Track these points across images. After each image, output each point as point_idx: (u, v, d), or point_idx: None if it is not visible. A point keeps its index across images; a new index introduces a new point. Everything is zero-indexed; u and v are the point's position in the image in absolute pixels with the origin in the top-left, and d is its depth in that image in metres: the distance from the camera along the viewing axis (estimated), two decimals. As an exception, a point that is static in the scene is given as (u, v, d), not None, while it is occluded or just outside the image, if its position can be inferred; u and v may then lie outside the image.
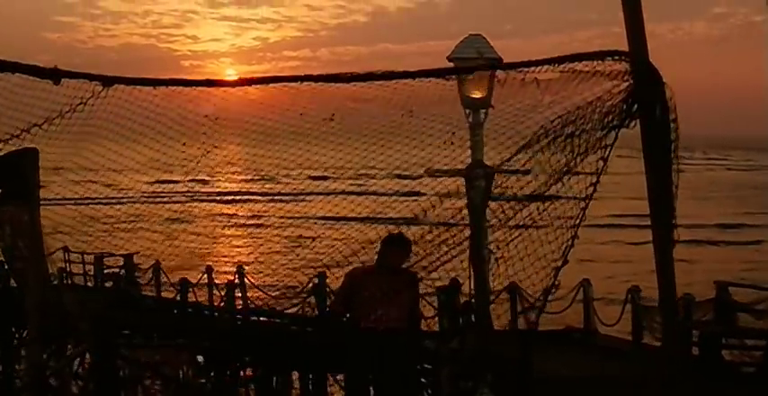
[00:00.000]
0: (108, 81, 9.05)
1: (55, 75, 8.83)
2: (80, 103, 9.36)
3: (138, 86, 9.10)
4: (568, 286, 18.66)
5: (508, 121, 9.15)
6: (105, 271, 25.02)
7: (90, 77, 9.06)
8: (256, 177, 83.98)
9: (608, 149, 8.98)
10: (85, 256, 25.93)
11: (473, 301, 9.87)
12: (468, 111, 9.54)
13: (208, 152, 10.71)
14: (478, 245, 9.50)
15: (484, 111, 9.54)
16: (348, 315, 10.18)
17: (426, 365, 12.53)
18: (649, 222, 9.00)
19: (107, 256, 25.31)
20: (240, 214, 65.94)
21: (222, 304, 20.59)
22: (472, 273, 9.62)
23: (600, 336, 18.16)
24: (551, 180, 8.96)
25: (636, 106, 8.62)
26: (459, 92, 9.48)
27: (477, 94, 9.39)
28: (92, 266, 25.58)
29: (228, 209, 70.06)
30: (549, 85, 9.07)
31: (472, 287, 9.70)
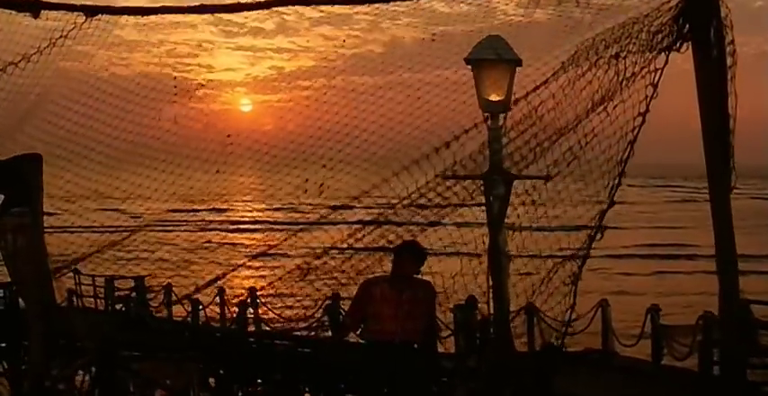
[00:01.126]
0: (91, 11, 8.65)
1: (34, 6, 8.46)
2: (61, 37, 9.02)
3: (124, 16, 8.61)
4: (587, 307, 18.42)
5: (544, 44, 8.80)
6: (116, 293, 24.74)
7: (71, 8, 8.67)
8: (276, 206, 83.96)
9: (658, 74, 8.40)
10: (96, 278, 25.71)
11: (491, 312, 9.44)
12: (486, 114, 9.23)
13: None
14: (497, 252, 9.20)
15: (503, 115, 9.23)
16: (361, 327, 9.84)
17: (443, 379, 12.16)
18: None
19: (118, 279, 25.10)
20: (255, 243, 65.19)
21: (233, 325, 20.23)
22: (491, 282, 9.28)
23: (619, 357, 17.83)
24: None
25: (687, 26, 7.98)
26: (477, 93, 9.20)
27: (495, 97, 9.09)
28: (102, 289, 25.31)
29: (246, 239, 69.27)
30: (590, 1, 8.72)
31: (490, 297, 9.33)
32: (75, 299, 24.02)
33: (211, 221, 75.16)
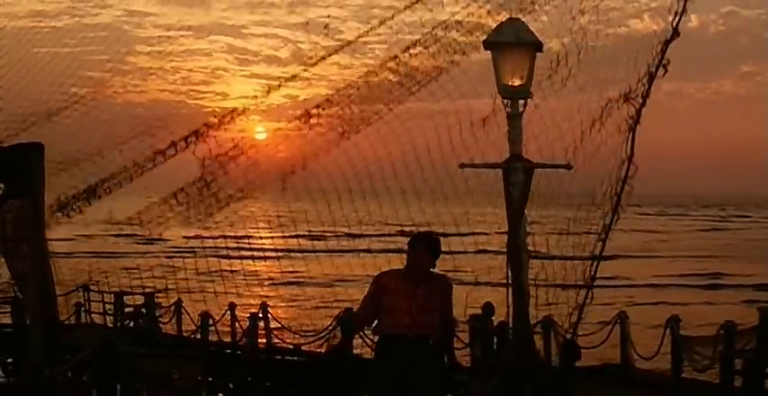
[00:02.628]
0: None
1: None
2: None
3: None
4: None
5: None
6: (126, 309, 24.51)
7: None
8: (302, 233, 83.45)
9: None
10: (105, 294, 25.60)
11: (510, 307, 9.05)
12: (506, 101, 8.92)
13: None
14: (516, 246, 8.86)
15: (522, 102, 8.92)
16: (376, 322, 9.46)
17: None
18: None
19: (127, 295, 24.90)
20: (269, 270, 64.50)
21: (244, 338, 19.92)
22: (510, 275, 8.93)
23: (637, 371, 17.44)
24: None
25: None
26: (496, 79, 8.90)
27: (515, 82, 8.79)
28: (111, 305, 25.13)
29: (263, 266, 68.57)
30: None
31: (509, 293, 8.97)
32: (83, 314, 23.77)
33: (227, 248, 75.01)
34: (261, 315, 20.33)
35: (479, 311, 15.36)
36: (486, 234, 11.50)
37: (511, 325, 9.06)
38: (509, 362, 8.93)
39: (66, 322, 19.72)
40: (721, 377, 14.99)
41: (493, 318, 14.52)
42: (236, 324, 21.31)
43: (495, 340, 14.40)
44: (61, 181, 10.81)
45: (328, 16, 10.19)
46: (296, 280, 55.12)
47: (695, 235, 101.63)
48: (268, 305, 21.23)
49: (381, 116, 9.95)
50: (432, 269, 9.32)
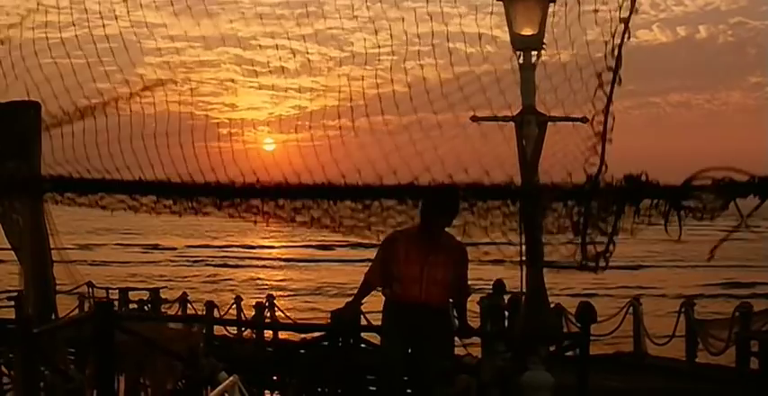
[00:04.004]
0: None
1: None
2: None
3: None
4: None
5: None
6: (130, 305, 24.29)
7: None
8: (313, 244, 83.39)
9: None
10: (110, 291, 25.40)
11: (524, 268, 8.71)
12: (518, 52, 8.66)
13: None
14: (529, 200, 8.57)
15: (535, 53, 8.66)
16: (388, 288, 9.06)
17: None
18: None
19: (132, 291, 24.72)
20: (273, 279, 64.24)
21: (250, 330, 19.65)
22: (523, 237, 8.62)
23: (651, 357, 17.15)
24: None
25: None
26: (509, 29, 8.64)
27: (527, 32, 8.53)
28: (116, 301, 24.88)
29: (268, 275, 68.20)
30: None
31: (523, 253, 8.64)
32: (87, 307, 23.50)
33: (232, 257, 74.95)
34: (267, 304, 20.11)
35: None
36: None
37: (524, 286, 8.73)
38: (521, 325, 8.61)
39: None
40: (737, 359, 14.73)
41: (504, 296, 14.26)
42: (242, 315, 21.11)
43: (506, 316, 14.13)
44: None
45: None
46: (306, 289, 55.18)
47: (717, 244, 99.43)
48: (274, 296, 21.02)
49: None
50: (446, 229, 8.76)
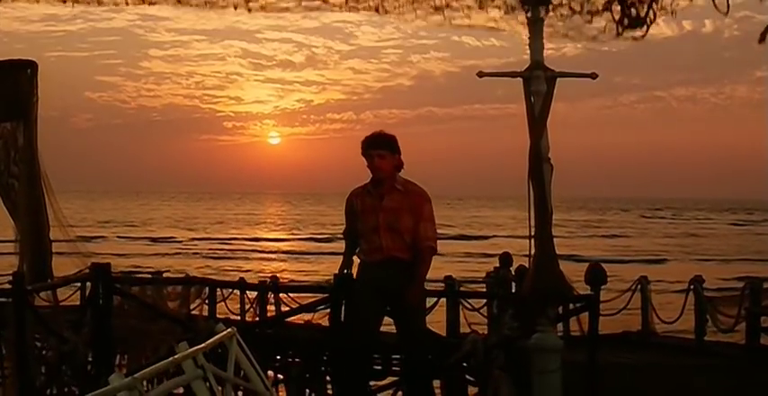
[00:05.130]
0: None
1: None
2: None
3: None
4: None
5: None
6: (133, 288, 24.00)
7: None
8: (317, 236, 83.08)
9: None
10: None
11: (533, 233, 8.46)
12: (526, 7, 8.45)
13: None
14: (538, 158, 8.34)
15: (543, 7, 8.44)
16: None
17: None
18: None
19: (135, 273, 24.45)
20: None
21: (254, 306, 19.39)
22: (532, 194, 8.39)
23: (659, 336, 16.89)
24: None
25: None
26: (517, -17, 8.43)
27: (536, -15, 8.32)
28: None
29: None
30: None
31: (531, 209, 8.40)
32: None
33: (237, 250, 74.64)
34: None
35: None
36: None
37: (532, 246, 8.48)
38: (529, 284, 8.35)
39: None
40: (747, 335, 14.52)
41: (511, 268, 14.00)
42: (245, 298, 20.82)
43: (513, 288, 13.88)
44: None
45: None
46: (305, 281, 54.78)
47: (735, 237, 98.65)
48: (278, 277, 20.76)
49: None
50: (399, 172, 8.60)
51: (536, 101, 8.36)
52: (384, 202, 8.45)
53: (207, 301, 20.80)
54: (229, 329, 6.09)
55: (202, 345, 5.46)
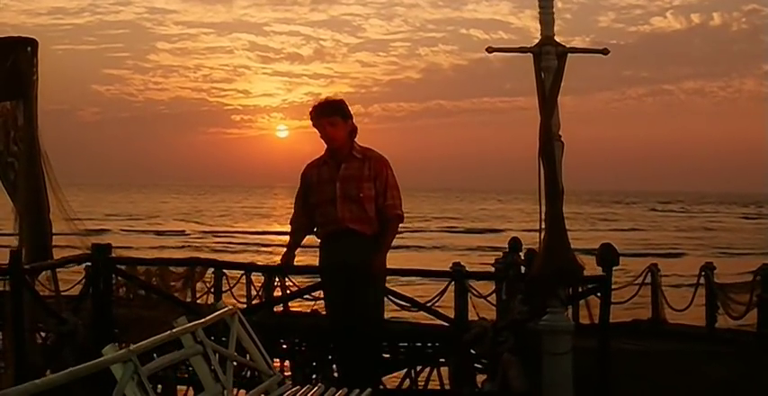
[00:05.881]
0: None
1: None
2: None
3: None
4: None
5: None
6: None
7: None
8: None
9: None
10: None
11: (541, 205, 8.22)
12: (537, -19, 8.24)
13: None
14: (549, 134, 8.14)
15: (554, -20, 8.23)
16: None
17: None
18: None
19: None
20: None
21: (261, 291, 19.23)
22: (542, 171, 8.18)
23: (669, 324, 16.70)
24: None
25: None
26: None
27: (547, -42, 8.10)
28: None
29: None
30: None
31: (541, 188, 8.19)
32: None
33: (244, 243, 74.46)
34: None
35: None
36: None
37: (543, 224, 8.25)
38: (539, 265, 8.14)
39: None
40: (759, 322, 14.32)
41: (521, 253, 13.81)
42: (252, 287, 20.67)
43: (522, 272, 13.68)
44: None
45: None
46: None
47: (750, 231, 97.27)
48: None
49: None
50: (354, 138, 8.10)
51: (546, 77, 8.15)
52: (341, 171, 7.94)
53: (213, 291, 20.70)
54: (231, 307, 5.91)
55: (202, 320, 5.28)
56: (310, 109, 8.08)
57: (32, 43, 8.89)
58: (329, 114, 8.02)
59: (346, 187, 7.90)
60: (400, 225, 8.08)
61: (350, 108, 8.21)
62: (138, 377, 4.10)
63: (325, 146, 8.14)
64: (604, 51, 8.35)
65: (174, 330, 4.83)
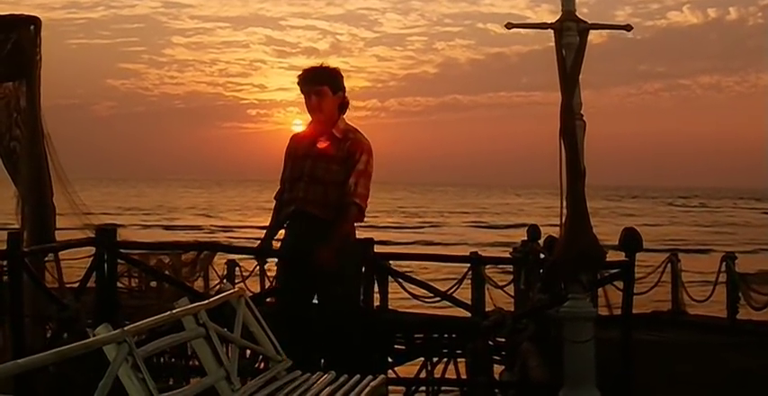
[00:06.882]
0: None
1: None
2: None
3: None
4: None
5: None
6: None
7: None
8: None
9: None
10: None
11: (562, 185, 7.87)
12: (557, -46, 7.91)
13: None
14: (570, 114, 7.81)
15: (575, -46, 7.90)
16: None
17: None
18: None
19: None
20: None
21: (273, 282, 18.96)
22: (563, 152, 7.84)
23: (690, 316, 16.39)
24: None
25: None
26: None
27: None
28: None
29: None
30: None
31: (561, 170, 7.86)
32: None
33: (256, 239, 74.01)
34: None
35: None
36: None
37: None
38: (561, 249, 7.80)
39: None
40: (781, 313, 14.05)
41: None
42: (266, 279, 20.44)
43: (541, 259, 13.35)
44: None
45: None
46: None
47: None
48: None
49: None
50: (344, 114, 7.44)
51: (567, 54, 7.80)
52: (315, 149, 7.28)
53: (224, 281, 20.41)
54: (237, 289, 5.61)
55: (205, 302, 4.98)
56: (299, 73, 7.46)
57: (36, 21, 8.56)
58: (318, 83, 7.32)
59: (315, 167, 7.29)
60: (364, 219, 7.39)
61: (351, 89, 7.57)
62: (132, 359, 3.80)
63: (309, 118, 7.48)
64: (627, 27, 8.02)
65: (174, 311, 4.52)
